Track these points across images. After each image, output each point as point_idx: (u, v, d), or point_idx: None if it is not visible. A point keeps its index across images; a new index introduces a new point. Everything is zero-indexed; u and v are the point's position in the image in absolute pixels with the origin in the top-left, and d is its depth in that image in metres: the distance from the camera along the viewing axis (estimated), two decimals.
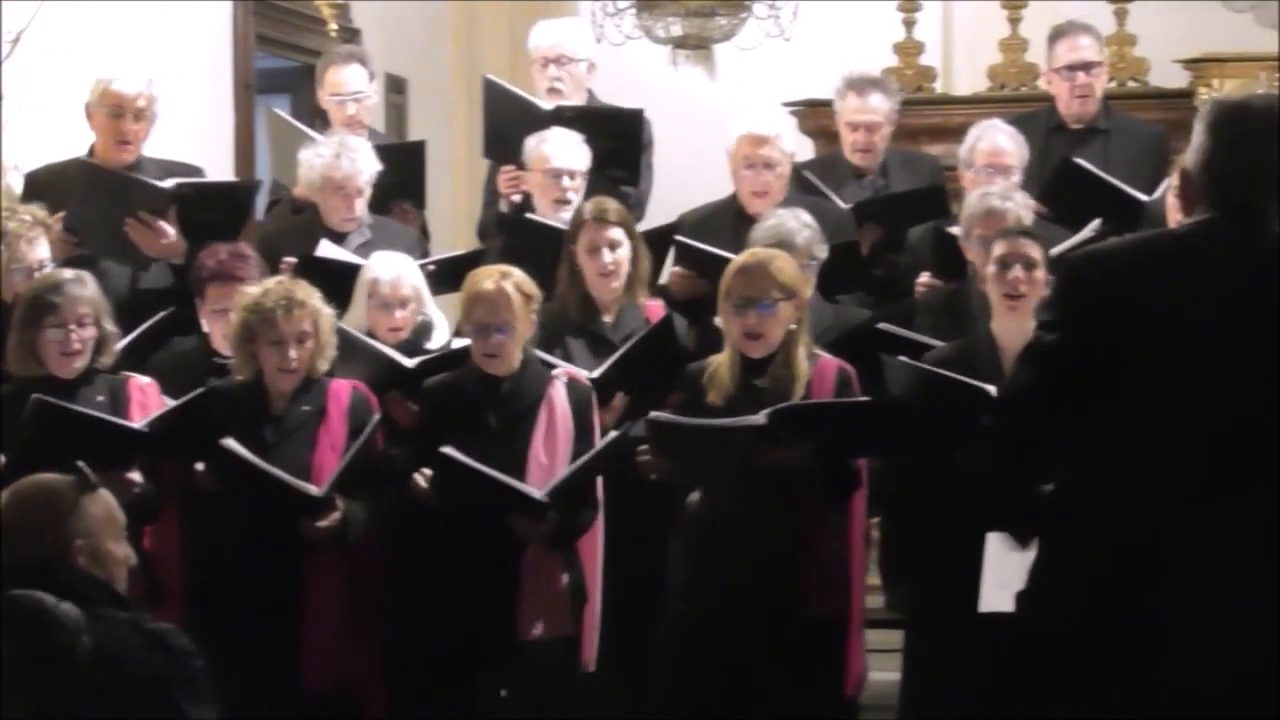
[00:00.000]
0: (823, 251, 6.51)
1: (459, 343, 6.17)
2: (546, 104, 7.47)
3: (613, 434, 5.85)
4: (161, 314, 6.45)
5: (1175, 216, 5.26)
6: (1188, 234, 3.87)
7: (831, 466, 5.73)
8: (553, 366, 6.03)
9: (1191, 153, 3.88)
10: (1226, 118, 3.87)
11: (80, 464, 4.35)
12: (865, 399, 5.77)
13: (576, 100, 7.62)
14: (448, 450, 5.64)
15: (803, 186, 7.32)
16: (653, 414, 5.73)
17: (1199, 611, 3.66)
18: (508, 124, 7.35)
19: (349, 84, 7.69)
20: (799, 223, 6.48)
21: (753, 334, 5.78)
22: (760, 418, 5.58)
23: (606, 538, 6.02)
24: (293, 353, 5.79)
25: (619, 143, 7.39)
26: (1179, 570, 3.67)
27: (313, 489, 5.67)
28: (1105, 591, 3.73)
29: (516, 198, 7.29)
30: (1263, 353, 3.70)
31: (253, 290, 5.88)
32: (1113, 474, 3.76)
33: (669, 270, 6.96)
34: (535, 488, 5.69)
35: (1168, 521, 3.68)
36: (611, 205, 6.48)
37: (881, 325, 6.31)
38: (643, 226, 6.95)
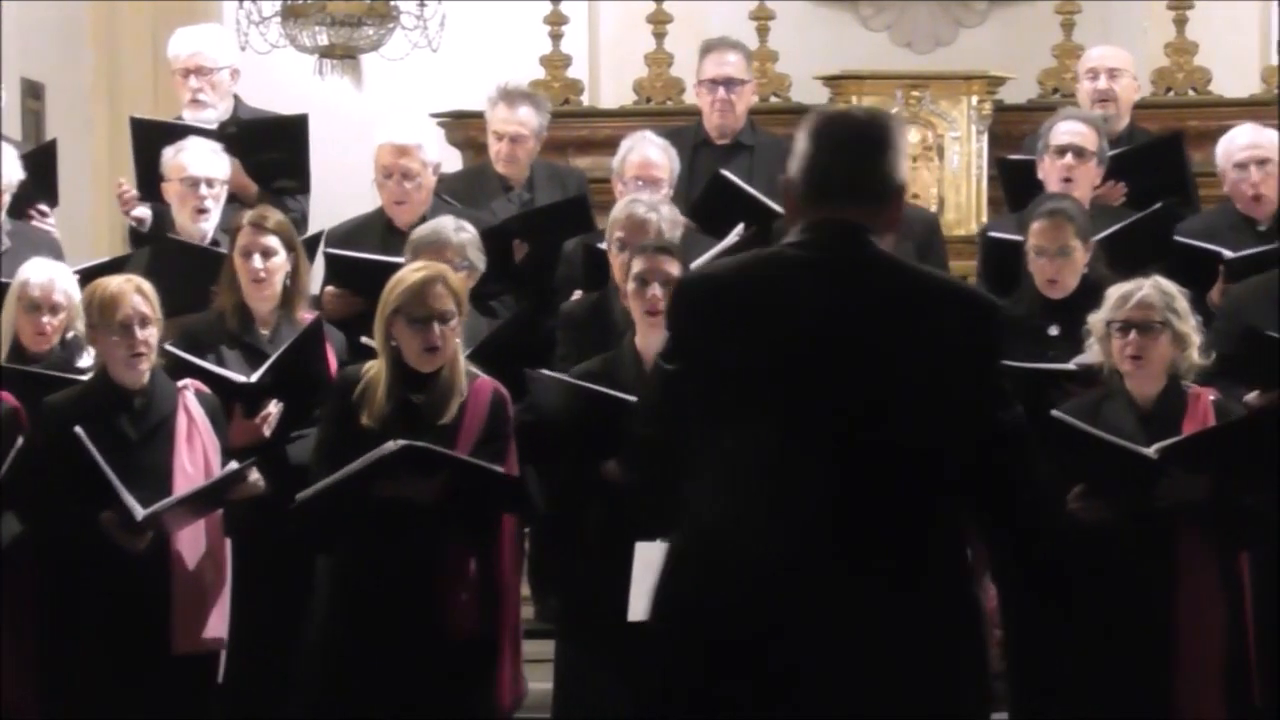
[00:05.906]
0: (480, 260, 6.52)
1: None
2: (209, 124, 7.33)
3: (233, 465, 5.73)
4: None
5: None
6: (789, 251, 3.82)
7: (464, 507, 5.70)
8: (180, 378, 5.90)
9: (794, 160, 3.84)
10: (828, 126, 3.86)
11: None
12: (505, 475, 5.69)
13: (222, 109, 7.50)
14: None
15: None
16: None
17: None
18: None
19: None
20: (456, 224, 6.53)
21: (433, 347, 5.70)
22: (393, 446, 5.50)
23: (256, 551, 5.93)
24: None
25: (285, 152, 7.29)
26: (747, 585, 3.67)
27: None
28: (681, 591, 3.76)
29: (139, 215, 7.15)
30: (850, 373, 3.70)
31: None
32: (703, 484, 3.77)
33: (319, 287, 6.88)
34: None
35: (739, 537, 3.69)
36: (273, 214, 6.39)
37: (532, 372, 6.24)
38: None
